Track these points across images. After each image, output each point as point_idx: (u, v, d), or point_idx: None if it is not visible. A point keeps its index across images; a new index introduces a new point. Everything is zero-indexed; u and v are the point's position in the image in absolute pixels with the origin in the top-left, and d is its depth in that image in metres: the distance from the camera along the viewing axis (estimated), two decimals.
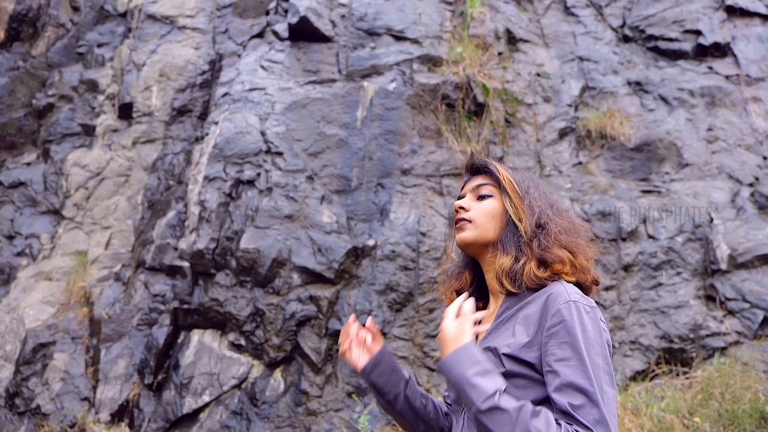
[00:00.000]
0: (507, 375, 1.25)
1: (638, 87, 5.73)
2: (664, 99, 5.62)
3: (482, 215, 1.43)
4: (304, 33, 5.47)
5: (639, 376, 3.88)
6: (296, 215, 4.29)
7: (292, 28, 5.46)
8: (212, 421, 3.92)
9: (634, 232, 4.43)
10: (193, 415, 3.97)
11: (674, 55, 6.04)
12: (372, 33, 5.54)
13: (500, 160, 4.90)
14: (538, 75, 5.55)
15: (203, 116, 5.77)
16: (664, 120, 5.46)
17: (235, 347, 4.11)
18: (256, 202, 4.36)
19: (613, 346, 3.99)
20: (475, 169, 1.53)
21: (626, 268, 4.28)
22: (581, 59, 5.92)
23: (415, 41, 5.52)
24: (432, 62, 5.38)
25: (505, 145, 5.02)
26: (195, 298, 4.20)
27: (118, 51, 6.40)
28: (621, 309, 4.12)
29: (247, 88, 5.16)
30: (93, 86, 6.28)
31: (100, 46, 6.66)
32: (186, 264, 4.29)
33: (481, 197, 1.46)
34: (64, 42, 6.66)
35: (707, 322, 4.07)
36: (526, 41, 5.96)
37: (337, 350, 3.99)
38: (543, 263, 1.34)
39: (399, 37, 5.54)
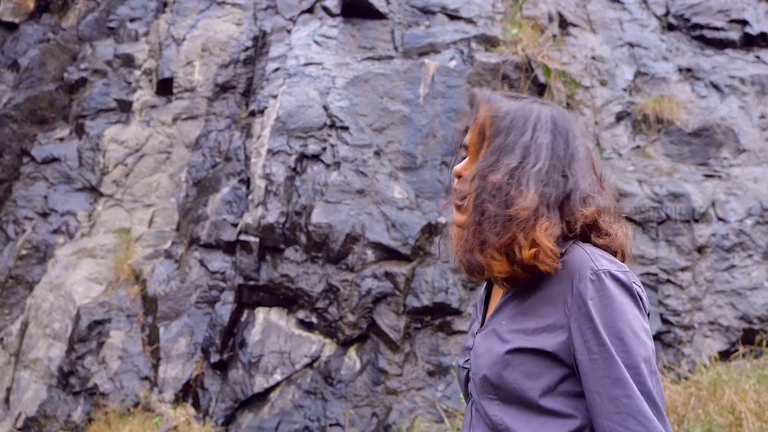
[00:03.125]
0: (510, 363, 1.05)
1: (689, 74, 5.71)
2: (715, 86, 5.61)
3: None
4: (357, 9, 5.33)
5: (722, 356, 3.83)
6: (367, 190, 4.17)
7: (345, 3, 5.33)
8: (284, 400, 3.77)
9: (705, 214, 4.39)
10: (263, 395, 3.83)
11: (721, 44, 6.03)
12: (426, 11, 5.43)
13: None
14: (593, 58, 5.50)
15: (247, 93, 5.60)
16: (716, 107, 5.45)
17: (305, 325, 3.97)
18: (323, 176, 4.22)
19: (693, 327, 3.94)
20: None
21: (700, 249, 4.23)
22: (631, 45, 5.88)
23: (469, 21, 5.42)
24: (488, 42, 5.29)
25: None
26: (263, 275, 4.05)
27: (154, 25, 6.20)
28: (697, 290, 4.08)
29: (303, 62, 5.01)
30: (128, 61, 6.07)
31: (132, 20, 6.44)
32: (252, 239, 4.14)
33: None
34: (95, 15, 6.43)
35: None
36: (575, 26, 5.91)
37: (416, 328, 3.88)
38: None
39: (453, 17, 5.44)
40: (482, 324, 1.18)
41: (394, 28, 5.33)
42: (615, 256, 1.11)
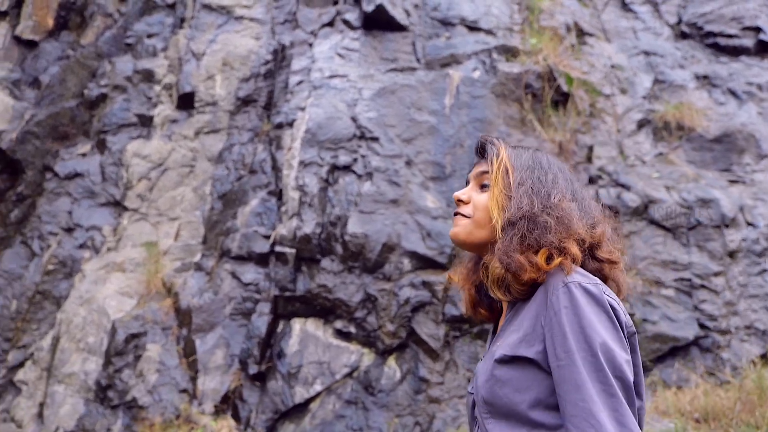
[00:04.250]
0: (500, 378, 1.11)
1: (706, 81, 5.79)
2: (733, 93, 5.69)
3: (480, 210, 1.25)
4: (378, 22, 5.39)
5: (761, 360, 3.86)
6: (401, 200, 4.20)
7: (367, 16, 5.39)
8: (325, 411, 3.77)
9: (734, 219, 4.43)
10: (304, 405, 3.83)
11: (735, 52, 6.12)
12: (446, 23, 5.50)
13: (590, 149, 4.88)
14: (612, 67, 5.57)
15: (268, 106, 5.64)
16: (735, 113, 5.52)
17: (342, 335, 3.98)
18: (356, 186, 4.25)
19: (730, 332, 3.97)
20: (480, 151, 1.34)
21: (731, 254, 4.27)
22: (646, 53, 5.96)
23: (489, 32, 5.49)
24: (509, 52, 5.36)
25: (590, 135, 5.00)
26: (300, 285, 4.06)
27: (173, 41, 6.24)
28: (732, 295, 4.11)
29: (327, 75, 5.06)
30: (148, 76, 6.10)
31: (149, 36, 6.48)
32: (288, 250, 4.15)
33: (483, 187, 1.28)
34: (112, 32, 6.47)
35: None
36: (591, 35, 5.99)
37: (455, 336, 3.89)
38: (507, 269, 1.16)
39: (473, 28, 5.51)
40: None
41: (415, 40, 5.39)
42: (606, 281, 1.20)
